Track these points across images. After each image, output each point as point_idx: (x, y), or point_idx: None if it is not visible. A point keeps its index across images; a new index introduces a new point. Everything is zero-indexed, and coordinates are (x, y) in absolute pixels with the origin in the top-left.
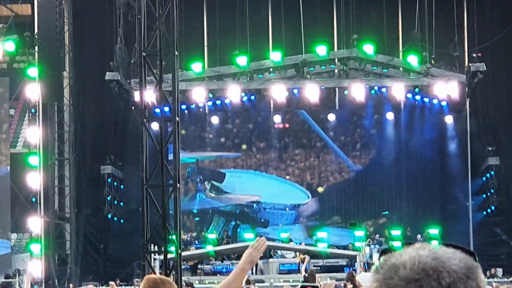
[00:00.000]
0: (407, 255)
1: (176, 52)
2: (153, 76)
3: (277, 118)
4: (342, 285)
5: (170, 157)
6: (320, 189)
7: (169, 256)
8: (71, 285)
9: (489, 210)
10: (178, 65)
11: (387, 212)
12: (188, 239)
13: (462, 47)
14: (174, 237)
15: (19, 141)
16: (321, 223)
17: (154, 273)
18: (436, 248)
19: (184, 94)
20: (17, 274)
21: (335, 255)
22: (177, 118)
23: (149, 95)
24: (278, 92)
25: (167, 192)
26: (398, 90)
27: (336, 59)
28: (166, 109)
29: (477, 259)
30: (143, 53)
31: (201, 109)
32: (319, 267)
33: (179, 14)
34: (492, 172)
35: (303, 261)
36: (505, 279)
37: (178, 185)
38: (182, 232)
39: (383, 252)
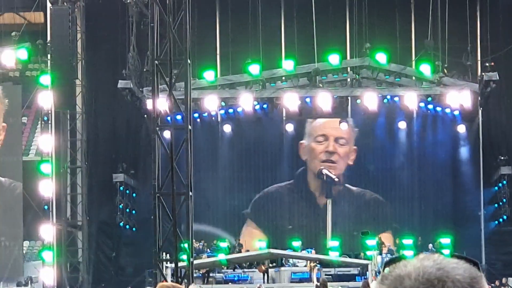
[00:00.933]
0: (411, 266)
1: (188, 61)
2: (165, 84)
3: (289, 127)
4: None
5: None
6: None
7: (181, 264)
8: None
9: (501, 220)
10: (190, 73)
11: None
12: (200, 247)
13: (475, 56)
14: (186, 245)
15: (31, 149)
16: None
17: (166, 281)
18: (440, 258)
19: (196, 102)
20: (29, 282)
21: (346, 264)
22: (190, 127)
23: (162, 103)
24: (290, 101)
25: (179, 201)
26: (410, 99)
27: (348, 68)
28: (179, 117)
29: (480, 268)
30: (155, 62)
31: (213, 118)
32: (330, 276)
33: (192, 22)
34: (505, 182)
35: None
36: None
37: (190, 193)
38: (194, 240)
39: (387, 264)
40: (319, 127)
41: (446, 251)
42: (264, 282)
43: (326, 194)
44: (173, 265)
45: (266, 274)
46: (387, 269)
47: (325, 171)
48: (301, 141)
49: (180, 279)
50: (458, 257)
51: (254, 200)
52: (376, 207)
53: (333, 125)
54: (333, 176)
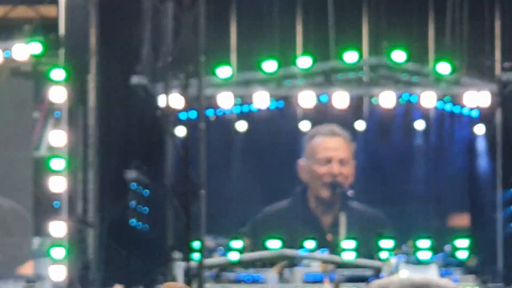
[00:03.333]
0: (396, 278)
1: (202, 58)
2: (179, 81)
3: (304, 125)
4: None
5: None
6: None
7: (193, 263)
8: None
9: None
10: (204, 70)
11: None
12: (213, 246)
13: (493, 56)
14: (196, 244)
15: (42, 144)
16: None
17: (175, 280)
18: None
19: (210, 99)
20: (38, 279)
21: (360, 265)
22: (203, 124)
23: (176, 100)
24: (306, 99)
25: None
26: (428, 99)
27: (365, 67)
28: (192, 114)
29: None
30: (169, 58)
31: (227, 115)
32: (344, 277)
33: (207, 19)
34: None
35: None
36: None
37: (203, 191)
38: (206, 239)
39: None
40: (321, 149)
41: (463, 254)
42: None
43: (340, 208)
44: (184, 264)
45: (279, 274)
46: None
47: (339, 183)
48: (300, 160)
49: (191, 279)
50: None
51: (254, 221)
52: (391, 206)
53: (335, 145)
54: (347, 189)
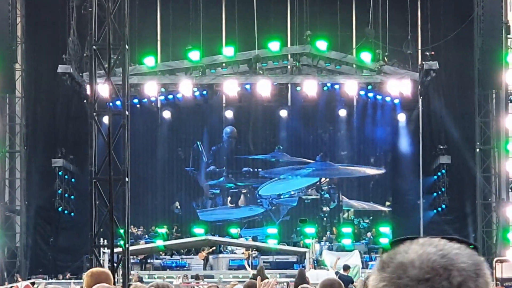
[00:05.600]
0: (414, 253)
1: (126, 46)
2: (104, 70)
3: (228, 114)
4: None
5: None
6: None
7: (118, 250)
8: (19, 278)
9: (439, 209)
10: (128, 59)
11: None
12: (139, 233)
13: (415, 45)
14: (122, 231)
15: None
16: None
17: (102, 266)
18: (442, 244)
19: (136, 88)
20: None
21: (285, 252)
22: (127, 112)
23: (102, 89)
24: (230, 87)
25: (116, 186)
26: (350, 87)
27: (289, 55)
28: (118, 103)
29: (479, 252)
30: (94, 47)
31: (153, 104)
32: (269, 263)
33: (132, 8)
34: (444, 171)
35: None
36: None
37: (126, 179)
38: (132, 226)
39: (384, 249)
40: None
41: (384, 240)
42: (204, 269)
43: None
44: (109, 250)
45: (207, 261)
46: (385, 255)
47: None
48: None
49: (115, 265)
50: (458, 241)
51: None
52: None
53: None
54: None
